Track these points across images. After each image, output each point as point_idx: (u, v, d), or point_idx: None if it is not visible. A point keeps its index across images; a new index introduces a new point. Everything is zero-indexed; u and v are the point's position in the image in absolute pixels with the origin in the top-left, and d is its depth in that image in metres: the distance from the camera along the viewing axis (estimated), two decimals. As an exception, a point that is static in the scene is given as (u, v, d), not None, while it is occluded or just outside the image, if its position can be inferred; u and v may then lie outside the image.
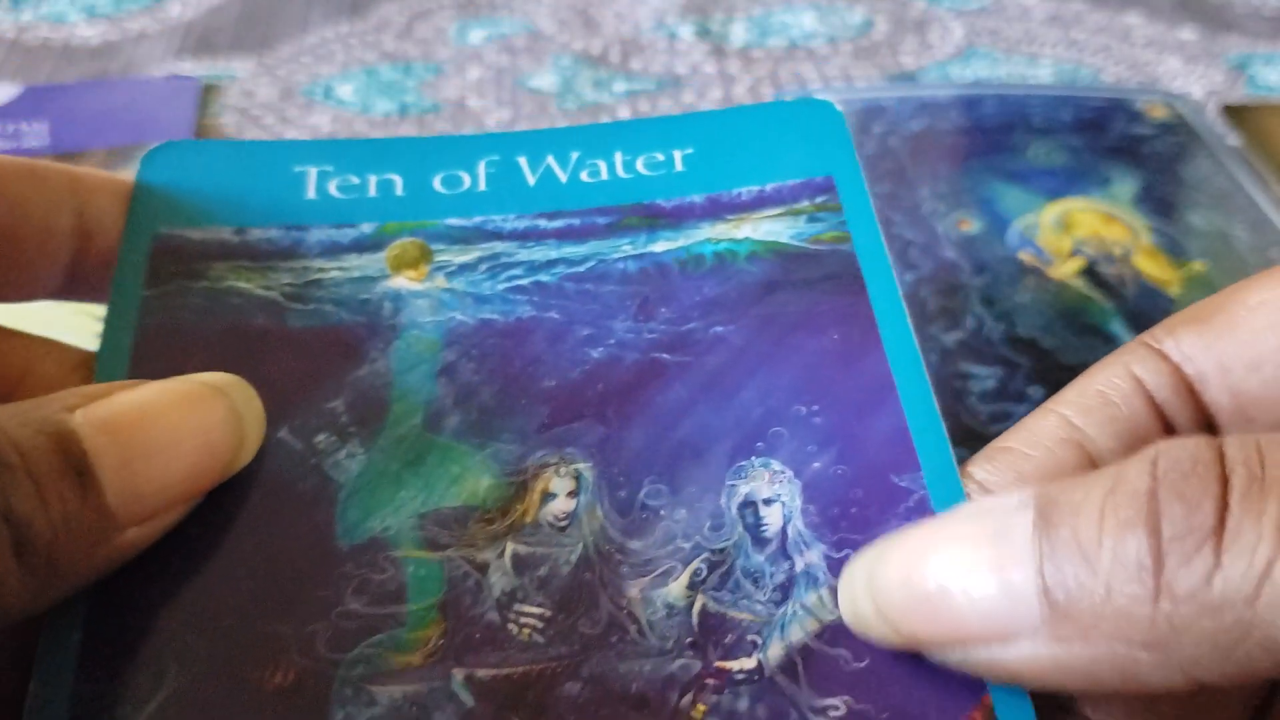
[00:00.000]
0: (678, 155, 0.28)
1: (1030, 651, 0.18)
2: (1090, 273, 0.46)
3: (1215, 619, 0.16)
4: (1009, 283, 0.45)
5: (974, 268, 0.46)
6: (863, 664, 0.21)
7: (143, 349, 0.24)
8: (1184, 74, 0.60)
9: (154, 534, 0.20)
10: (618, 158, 0.28)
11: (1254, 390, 0.21)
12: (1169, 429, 0.22)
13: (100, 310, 0.24)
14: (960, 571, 0.18)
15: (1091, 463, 0.22)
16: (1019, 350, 0.43)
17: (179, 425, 0.21)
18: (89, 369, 0.25)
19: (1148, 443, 0.22)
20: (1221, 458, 0.17)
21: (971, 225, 0.48)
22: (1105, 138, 0.53)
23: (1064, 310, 0.44)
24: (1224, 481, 0.16)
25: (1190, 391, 0.22)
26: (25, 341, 0.25)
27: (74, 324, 0.41)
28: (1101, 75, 0.60)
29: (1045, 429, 0.22)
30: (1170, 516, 0.16)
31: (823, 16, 0.65)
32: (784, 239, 0.26)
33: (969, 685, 0.20)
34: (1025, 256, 0.47)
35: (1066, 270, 0.46)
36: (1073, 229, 0.48)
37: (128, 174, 0.26)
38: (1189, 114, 0.55)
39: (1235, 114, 0.56)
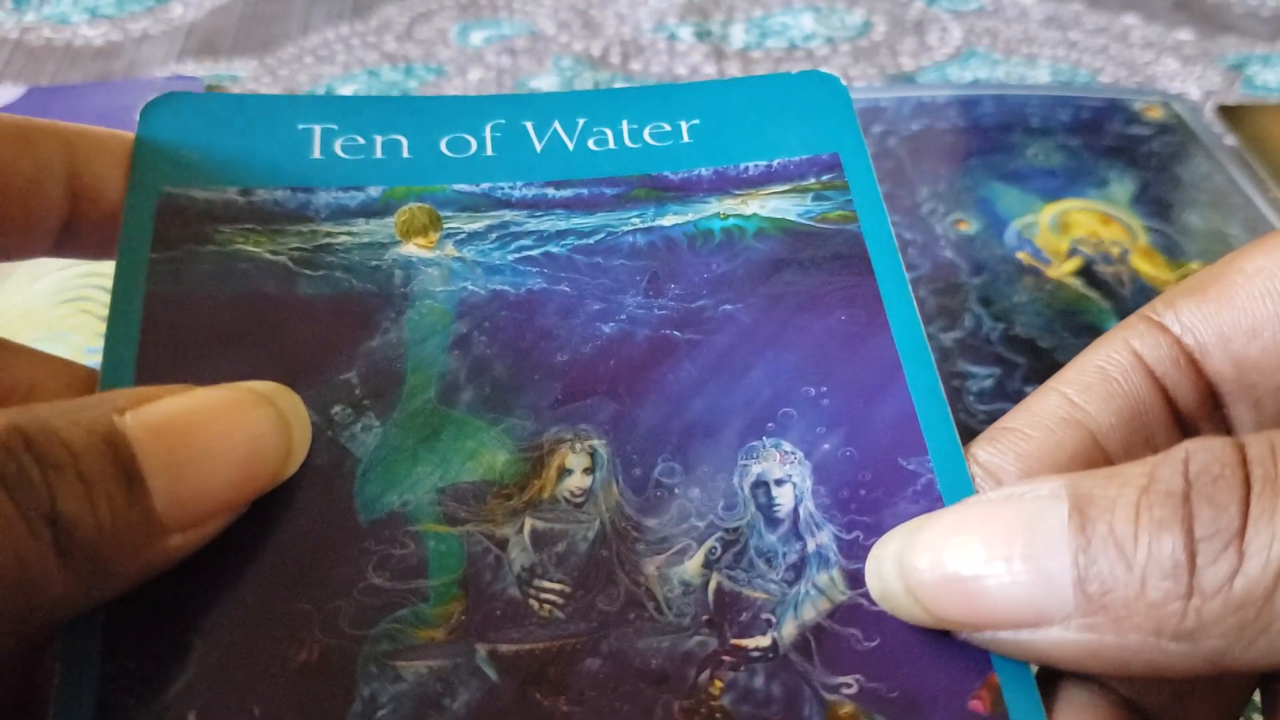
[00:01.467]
0: (684, 126, 0.28)
1: (1061, 637, 0.18)
2: (1087, 273, 0.46)
3: (1239, 614, 0.17)
4: (1007, 282, 0.46)
5: (972, 268, 0.46)
6: (873, 644, 0.21)
7: (152, 317, 0.23)
8: (1181, 75, 0.60)
9: (199, 541, 0.20)
10: (624, 126, 0.28)
11: (1254, 357, 0.22)
12: (1170, 402, 0.23)
13: (101, 308, 0.24)
14: (994, 557, 0.19)
15: (1094, 441, 0.22)
16: (1017, 350, 0.43)
17: (228, 432, 0.20)
18: (95, 387, 0.24)
19: (1149, 418, 0.22)
20: (1244, 460, 0.18)
21: (970, 225, 0.48)
22: (1103, 138, 0.53)
23: (1062, 310, 0.44)
24: (1247, 484, 0.17)
25: (1191, 363, 0.22)
26: (31, 358, 0.25)
27: (75, 323, 0.41)
28: (1099, 76, 0.61)
29: (1046, 408, 0.23)
30: (1202, 518, 0.17)
31: (822, 18, 0.65)
32: (791, 216, 0.26)
33: (976, 665, 0.21)
34: (1023, 256, 0.47)
35: (1064, 270, 0.46)
36: (1070, 229, 0.48)
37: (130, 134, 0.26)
38: (1186, 115, 0.55)
39: (1232, 115, 0.56)
